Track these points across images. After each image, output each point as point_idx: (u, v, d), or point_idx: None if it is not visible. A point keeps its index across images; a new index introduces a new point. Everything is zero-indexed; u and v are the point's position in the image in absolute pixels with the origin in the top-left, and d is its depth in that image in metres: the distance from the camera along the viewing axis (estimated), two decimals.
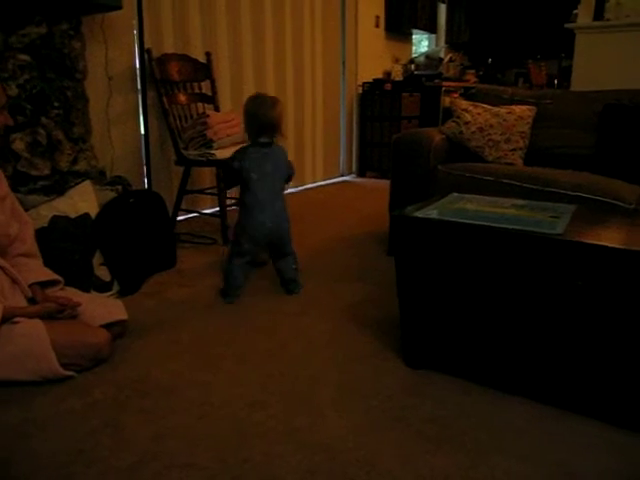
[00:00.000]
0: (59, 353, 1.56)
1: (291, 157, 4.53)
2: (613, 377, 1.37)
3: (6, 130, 2.31)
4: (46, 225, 2.12)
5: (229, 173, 2.30)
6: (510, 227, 1.45)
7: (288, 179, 2.31)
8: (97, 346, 1.66)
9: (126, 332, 1.89)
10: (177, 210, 3.26)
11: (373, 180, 5.35)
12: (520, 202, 1.79)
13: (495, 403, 1.49)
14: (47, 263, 1.90)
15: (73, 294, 1.85)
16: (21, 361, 1.54)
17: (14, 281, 1.71)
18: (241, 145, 3.14)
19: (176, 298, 2.27)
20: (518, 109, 2.80)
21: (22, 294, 1.72)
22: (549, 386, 1.47)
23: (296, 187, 4.74)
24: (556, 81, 6.50)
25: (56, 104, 2.50)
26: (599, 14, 4.18)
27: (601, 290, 1.32)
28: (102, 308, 1.82)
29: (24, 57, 2.35)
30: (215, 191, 3.18)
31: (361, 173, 5.54)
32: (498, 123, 2.72)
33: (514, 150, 2.70)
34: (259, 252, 2.40)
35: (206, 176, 3.76)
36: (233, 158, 2.21)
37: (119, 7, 2.63)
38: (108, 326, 1.77)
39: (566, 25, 4.30)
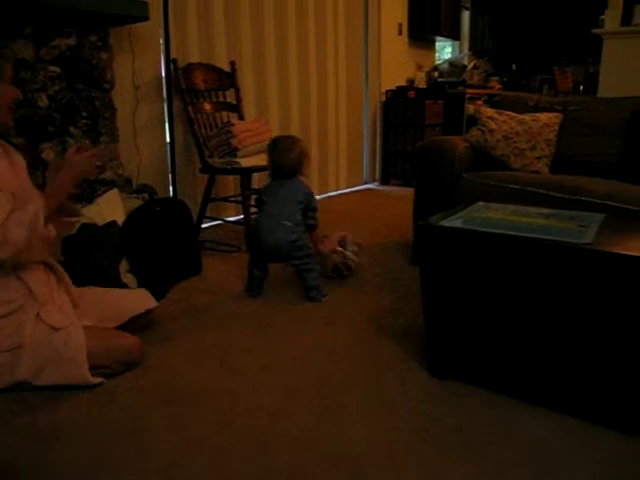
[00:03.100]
0: (92, 356, 1.59)
1: (315, 166, 4.61)
2: None
3: (36, 140, 2.37)
4: (75, 232, 2.16)
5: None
6: (537, 236, 1.43)
7: (311, 218, 2.38)
8: (128, 348, 1.70)
9: (154, 322, 1.92)
10: (202, 218, 3.29)
11: (396, 188, 5.33)
12: (547, 211, 1.77)
13: (520, 414, 1.47)
14: (76, 269, 1.93)
15: (100, 291, 1.90)
16: (55, 366, 1.56)
17: (59, 280, 1.74)
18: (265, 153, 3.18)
19: (201, 305, 2.29)
20: (544, 116, 2.77)
21: (66, 293, 1.74)
22: (576, 398, 1.45)
23: (319, 195, 4.75)
24: (582, 87, 6.42)
25: (84, 114, 2.55)
26: (627, 19, 4.14)
27: (630, 301, 1.30)
28: (131, 301, 1.86)
29: (54, 68, 2.41)
30: (239, 199, 3.21)
31: (384, 181, 5.53)
32: (524, 131, 2.70)
33: (540, 158, 2.68)
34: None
35: (230, 184, 3.79)
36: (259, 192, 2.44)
37: (146, 18, 2.67)
38: (137, 317, 1.82)
39: (593, 30, 4.26)
